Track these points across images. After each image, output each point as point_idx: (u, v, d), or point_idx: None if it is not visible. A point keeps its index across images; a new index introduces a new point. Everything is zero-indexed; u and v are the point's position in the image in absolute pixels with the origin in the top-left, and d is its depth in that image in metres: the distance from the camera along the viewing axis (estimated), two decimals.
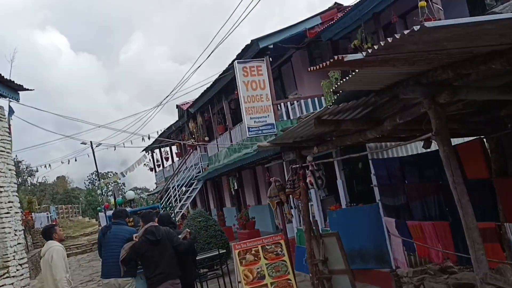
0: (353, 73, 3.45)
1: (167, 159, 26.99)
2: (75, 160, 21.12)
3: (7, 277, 6.40)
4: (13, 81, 6.88)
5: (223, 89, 15.38)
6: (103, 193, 40.49)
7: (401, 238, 7.02)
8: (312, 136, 6.25)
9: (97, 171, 34.46)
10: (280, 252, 7.00)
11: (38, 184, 55.82)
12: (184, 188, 19.48)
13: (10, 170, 7.03)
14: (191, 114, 19.53)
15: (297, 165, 6.74)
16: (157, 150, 28.68)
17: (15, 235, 6.84)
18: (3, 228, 6.54)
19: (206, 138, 18.98)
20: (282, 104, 12.62)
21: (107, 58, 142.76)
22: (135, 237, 6.21)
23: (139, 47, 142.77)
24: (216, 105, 17.38)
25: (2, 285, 6.26)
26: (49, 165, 22.77)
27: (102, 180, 38.87)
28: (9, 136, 7.20)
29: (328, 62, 2.89)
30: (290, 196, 7.30)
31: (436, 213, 6.25)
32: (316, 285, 6.69)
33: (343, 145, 5.59)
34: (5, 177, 6.78)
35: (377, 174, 7.63)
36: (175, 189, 19.41)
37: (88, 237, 28.79)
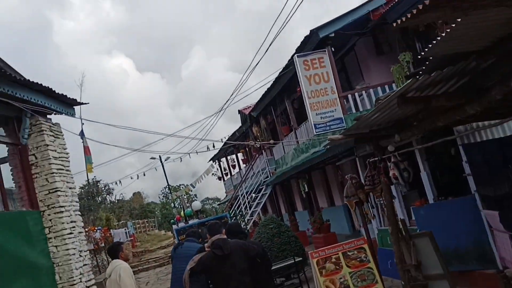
0: (449, 29, 2.62)
1: (234, 166, 26.70)
2: (144, 175, 21.31)
3: None
4: (66, 95, 6.62)
5: (285, 88, 14.68)
6: (176, 206, 41.11)
7: (508, 233, 5.94)
8: (391, 122, 5.38)
9: (167, 183, 34.97)
10: (364, 259, 6.14)
11: (116, 201, 57.98)
12: (253, 195, 18.96)
13: (70, 188, 6.76)
14: (253, 119, 19.00)
15: (376, 158, 5.87)
16: (223, 159, 28.51)
17: (80, 255, 6.52)
18: (67, 250, 6.24)
19: (271, 141, 18.36)
20: (349, 96, 11.69)
21: (170, 75, 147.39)
22: (207, 247, 5.59)
23: (200, 61, 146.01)
24: (279, 106, 16.71)
25: None
26: (120, 181, 23.19)
27: (174, 192, 39.47)
28: (67, 154, 6.93)
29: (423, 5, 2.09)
30: (370, 194, 6.43)
31: None
32: None
33: (433, 128, 4.66)
34: (66, 195, 6.50)
35: (471, 160, 6.58)
36: (244, 196, 18.93)
37: (164, 250, 29.11)
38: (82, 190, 49.03)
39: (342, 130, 11.78)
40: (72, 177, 6.93)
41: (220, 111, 13.53)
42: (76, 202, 6.87)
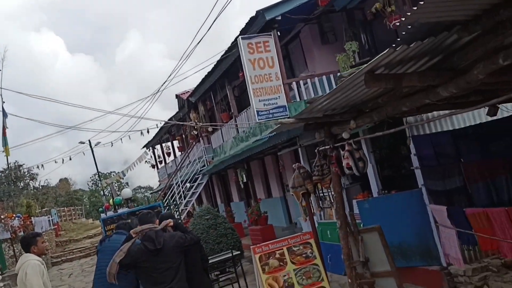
0: None
1: (168, 154, 25.67)
2: (70, 159, 19.81)
3: None
4: None
5: (226, 72, 14.03)
6: (105, 194, 39.32)
7: (455, 229, 5.71)
8: (347, 107, 4.94)
9: (97, 170, 33.26)
10: (310, 254, 5.70)
11: (40, 187, 54.71)
12: (188, 184, 18.18)
13: None
14: (192, 104, 18.18)
15: (327, 147, 5.41)
16: (158, 146, 27.39)
17: None
18: None
19: (210, 129, 17.66)
20: (293, 84, 11.26)
21: (104, 58, 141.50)
22: (134, 234, 4.84)
23: (135, 46, 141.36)
24: (219, 92, 16.03)
25: None
26: (42, 165, 21.45)
27: (104, 180, 37.70)
28: None
29: None
30: (318, 185, 5.99)
31: (511, 196, 4.95)
32: None
33: (396, 113, 4.25)
34: None
35: (420, 153, 6.33)
36: (178, 186, 18.11)
37: (91, 240, 27.62)
38: (2, 174, 45.73)
39: (285, 119, 11.36)
40: None
41: (156, 93, 12.64)
42: None
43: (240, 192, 20.00)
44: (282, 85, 10.72)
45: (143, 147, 28.27)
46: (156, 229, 4.95)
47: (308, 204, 6.15)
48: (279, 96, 10.72)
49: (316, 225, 10.18)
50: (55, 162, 18.95)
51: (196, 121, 17.97)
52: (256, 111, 10.78)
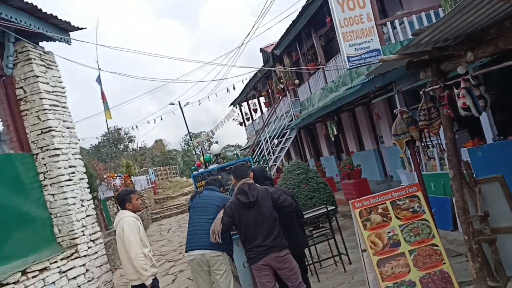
0: None
1: (255, 110, 25.53)
2: (161, 119, 20.46)
3: (76, 258, 5.24)
4: (56, 16, 5.49)
5: (312, 20, 13.21)
6: (196, 153, 40.67)
7: None
8: (461, 36, 4.15)
9: (187, 130, 34.35)
10: (418, 209, 5.08)
11: (138, 149, 58.15)
12: (275, 141, 17.90)
13: (68, 128, 5.76)
14: (277, 57, 17.61)
15: (437, 86, 4.67)
16: (244, 103, 27.35)
17: (82, 205, 5.62)
18: (66, 199, 5.34)
19: (296, 82, 17.05)
20: (388, 24, 10.26)
21: (188, 21, 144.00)
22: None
23: (218, 7, 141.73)
24: (305, 43, 15.27)
25: (71, 268, 5.11)
26: (136, 126, 22.42)
27: (195, 139, 38.90)
28: (63, 88, 5.91)
29: None
30: (425, 131, 5.28)
31: None
32: (474, 250, 4.73)
33: None
34: (62, 136, 5.52)
35: None
36: (267, 141, 17.91)
37: (186, 197, 28.82)
38: (105, 138, 49.15)
39: (387, 56, 10.47)
40: (70, 115, 5.92)
41: (240, 46, 12.25)
42: (76, 144, 5.89)
43: (330, 146, 19.39)
44: (374, 27, 9.79)
45: (230, 105, 28.43)
46: (249, 181, 4.69)
47: (414, 153, 5.48)
48: (371, 39, 9.82)
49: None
50: (148, 122, 19.67)
51: (281, 74, 17.46)
52: (347, 57, 10.00)
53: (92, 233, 5.68)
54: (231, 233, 5.17)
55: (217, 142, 51.61)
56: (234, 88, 15.99)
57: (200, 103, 17.89)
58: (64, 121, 5.71)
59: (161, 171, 41.92)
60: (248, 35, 13.39)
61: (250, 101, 26.34)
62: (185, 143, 68.67)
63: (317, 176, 10.66)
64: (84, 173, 5.89)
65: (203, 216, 5.15)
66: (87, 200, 5.78)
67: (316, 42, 14.08)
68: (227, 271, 5.08)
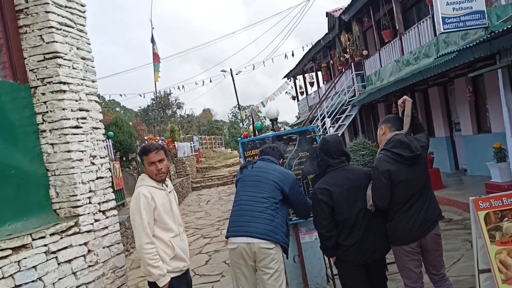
0: None
1: (312, 84, 23.58)
2: (210, 81, 19.07)
3: (75, 233, 3.79)
4: None
5: None
6: (244, 126, 39.34)
7: None
8: None
9: (237, 99, 32.92)
10: None
11: (186, 116, 57.64)
12: (329, 120, 16.06)
13: (84, 59, 4.29)
14: (344, 23, 15.60)
15: None
16: (300, 77, 25.47)
17: (92, 163, 4.15)
18: (68, 151, 3.89)
19: (365, 52, 15.03)
20: None
21: None
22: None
23: None
24: (382, 7, 13.20)
25: (65, 247, 3.66)
26: (183, 86, 21.24)
27: (243, 110, 37.54)
28: (82, 6, 4.42)
29: None
30: None
31: None
32: None
33: None
34: (72, 67, 4.04)
35: None
36: (323, 118, 16.09)
37: (229, 169, 27.58)
38: (154, 102, 48.69)
39: (482, 30, 8.45)
40: (89, 43, 4.44)
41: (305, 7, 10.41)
42: (93, 82, 4.41)
43: None
44: None
45: (284, 77, 26.65)
46: (403, 132, 3.43)
47: None
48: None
49: None
50: (195, 83, 18.30)
51: (347, 43, 15.49)
52: (442, 17, 8.04)
53: (103, 202, 4.22)
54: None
55: (264, 118, 50.09)
56: (293, 54, 14.28)
57: (254, 68, 16.26)
58: (78, 48, 4.23)
59: (206, 140, 40.90)
60: None
61: (306, 74, 24.42)
62: (232, 115, 67.62)
63: None
64: (101, 121, 4.42)
65: (254, 193, 3.59)
66: (101, 158, 4.32)
67: (395, 5, 12.03)
68: (279, 271, 3.54)
